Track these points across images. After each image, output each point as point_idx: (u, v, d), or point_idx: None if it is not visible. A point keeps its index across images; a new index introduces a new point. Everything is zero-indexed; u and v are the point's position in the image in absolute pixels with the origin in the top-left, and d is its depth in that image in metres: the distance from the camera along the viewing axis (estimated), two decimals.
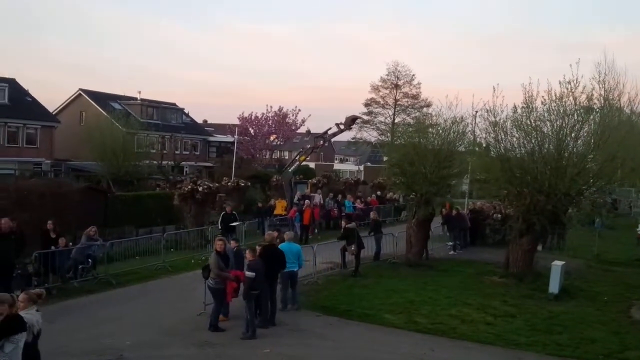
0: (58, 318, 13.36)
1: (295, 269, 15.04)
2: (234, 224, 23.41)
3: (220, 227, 23.19)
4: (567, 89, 17.55)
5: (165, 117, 58.20)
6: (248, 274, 12.68)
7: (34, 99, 47.82)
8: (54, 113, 51.50)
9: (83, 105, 54.33)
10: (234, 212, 24.39)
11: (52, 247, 16.76)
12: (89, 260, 17.67)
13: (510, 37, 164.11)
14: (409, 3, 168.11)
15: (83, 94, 54.72)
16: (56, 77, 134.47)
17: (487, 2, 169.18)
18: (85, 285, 17.19)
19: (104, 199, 26.32)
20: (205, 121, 73.79)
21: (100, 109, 51.89)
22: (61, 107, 54.95)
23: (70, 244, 17.78)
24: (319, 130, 36.87)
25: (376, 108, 68.47)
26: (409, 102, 67.58)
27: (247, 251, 13.28)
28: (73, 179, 37.12)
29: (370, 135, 68.13)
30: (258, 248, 13.91)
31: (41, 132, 45.95)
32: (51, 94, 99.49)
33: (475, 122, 21.41)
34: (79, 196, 23.50)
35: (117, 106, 54.05)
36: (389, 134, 59.49)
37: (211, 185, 27.39)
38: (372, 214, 23.87)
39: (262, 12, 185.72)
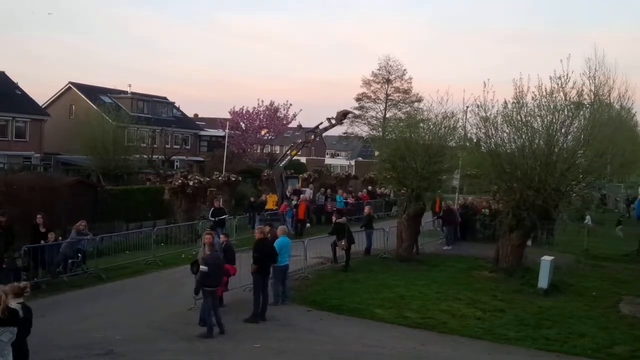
0: (48, 312, 13.29)
1: (288, 263, 15.10)
2: (221, 217, 23.45)
3: (214, 219, 23.21)
4: (558, 84, 17.63)
5: (155, 111, 57.94)
6: (202, 267, 12.37)
7: (23, 92, 47.47)
8: (43, 106, 51.10)
9: (73, 98, 53.99)
10: (221, 206, 24.41)
11: (42, 242, 16.67)
12: (79, 254, 17.61)
13: (500, 32, 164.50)
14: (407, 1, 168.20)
15: (73, 87, 54.37)
16: (46, 70, 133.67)
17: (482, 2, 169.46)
18: (75, 279, 17.12)
19: (94, 193, 26.21)
20: (196, 115, 73.57)
21: (90, 103, 51.60)
22: (51, 100, 54.54)
23: (60, 238, 17.69)
24: (310, 124, 36.86)
25: (367, 103, 68.46)
26: (400, 97, 67.59)
27: (205, 245, 13.08)
28: (63, 172, 36.96)
29: (362, 130, 68.25)
30: (222, 238, 13.92)
31: (30, 125, 45.64)
32: (41, 87, 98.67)
33: (466, 118, 21.51)
34: (69, 190, 23.39)
35: (107, 100, 53.73)
36: (380, 129, 59.56)
37: (202, 179, 27.31)
38: (367, 209, 23.87)
39: (255, 5, 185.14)
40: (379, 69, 67.48)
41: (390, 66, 67.21)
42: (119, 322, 13.13)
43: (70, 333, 12.31)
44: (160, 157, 44.94)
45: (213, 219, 23.20)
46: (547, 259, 17.25)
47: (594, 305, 15.76)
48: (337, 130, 55.65)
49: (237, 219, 26.94)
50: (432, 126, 21.58)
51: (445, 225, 25.52)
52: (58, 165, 43.54)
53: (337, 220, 20.25)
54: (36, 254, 16.15)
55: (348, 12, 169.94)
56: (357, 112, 65.44)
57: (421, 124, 22.46)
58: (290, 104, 58.29)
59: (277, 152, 66.13)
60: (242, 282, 15.27)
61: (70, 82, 54.74)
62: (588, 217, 29.24)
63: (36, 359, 9.33)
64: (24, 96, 47.21)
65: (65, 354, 10.93)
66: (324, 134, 38.54)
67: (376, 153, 34.96)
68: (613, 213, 39.19)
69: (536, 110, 18.20)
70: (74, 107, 53.27)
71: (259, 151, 59.31)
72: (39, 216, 17.29)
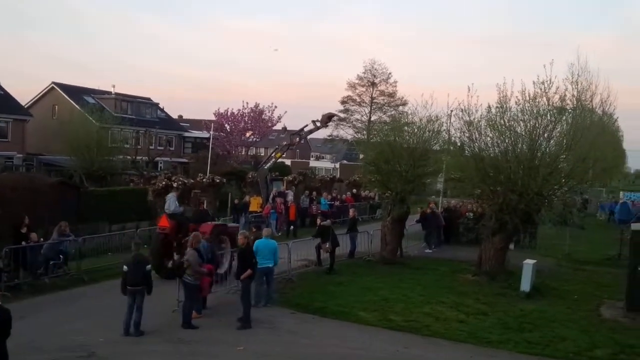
0: (29, 314, 13.20)
1: (271, 265, 15.02)
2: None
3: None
4: (541, 89, 17.73)
5: (139, 112, 57.60)
6: (124, 267, 12.81)
7: (5, 92, 46.90)
8: (26, 106, 50.52)
9: (56, 98, 53.47)
10: (205, 208, 24.36)
11: (23, 243, 16.50)
12: (61, 256, 17.45)
13: (486, 37, 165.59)
14: (391, 3, 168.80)
15: (56, 88, 53.87)
16: (29, 69, 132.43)
17: (466, 4, 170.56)
18: (57, 281, 16.97)
19: (77, 194, 25.95)
20: (180, 116, 73.26)
21: (73, 103, 51.16)
22: (33, 100, 53.97)
23: (42, 239, 17.51)
24: (295, 127, 36.81)
25: (352, 106, 68.70)
26: (385, 100, 67.87)
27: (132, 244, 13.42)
28: (45, 173, 36.57)
29: (347, 133, 68.39)
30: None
31: (13, 125, 45.10)
32: (24, 86, 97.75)
33: (450, 121, 21.58)
34: (51, 191, 23.14)
35: (90, 100, 53.31)
36: (365, 132, 59.69)
37: (186, 181, 27.18)
38: (351, 212, 23.90)
39: (240, 7, 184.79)
40: (364, 72, 67.82)
41: (375, 69, 67.55)
42: (101, 324, 13.03)
43: (51, 335, 12.21)
44: (144, 158, 44.64)
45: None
46: (529, 262, 17.36)
47: (575, 308, 15.88)
48: (322, 133, 55.79)
49: (221, 221, 26.81)
50: (416, 130, 21.68)
51: (425, 229, 25.59)
52: (40, 165, 43.07)
53: (321, 223, 20.26)
54: (17, 255, 15.98)
55: (333, 15, 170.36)
56: (342, 115, 65.66)
57: (406, 128, 22.54)
58: (275, 106, 58.21)
59: (262, 154, 66.01)
60: (225, 284, 15.24)
61: (53, 82, 54.23)
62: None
63: None
64: (7, 96, 46.65)
65: (46, 357, 10.84)
66: (308, 137, 38.56)
67: (361, 156, 35.01)
68: (593, 217, 39.61)
69: (519, 114, 18.33)
70: (57, 107, 52.76)
71: (243, 153, 59.11)
72: (26, 218, 17.16)
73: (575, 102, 18.87)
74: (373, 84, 67.78)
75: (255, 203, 29.04)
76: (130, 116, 53.77)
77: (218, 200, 31.04)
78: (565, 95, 18.23)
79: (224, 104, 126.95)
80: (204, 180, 30.43)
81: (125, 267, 12.75)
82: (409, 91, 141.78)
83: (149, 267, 12.85)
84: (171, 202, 18.87)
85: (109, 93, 56.74)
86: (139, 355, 11.32)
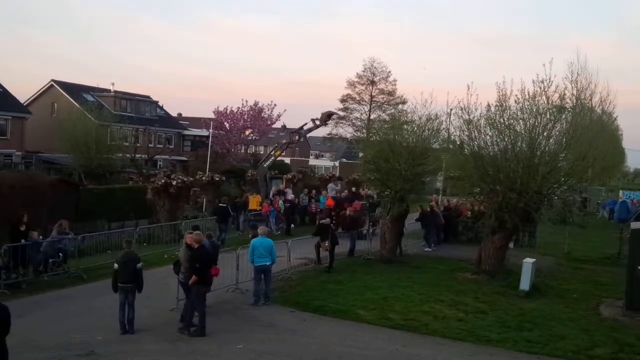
0: (28, 312, 13.20)
1: (268, 264, 15.01)
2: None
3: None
4: (540, 88, 17.71)
5: (139, 110, 57.48)
6: (115, 265, 12.89)
7: (4, 89, 46.80)
8: (25, 104, 50.45)
9: (55, 96, 53.41)
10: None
11: (22, 240, 16.48)
12: (60, 254, 17.45)
13: (486, 38, 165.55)
14: (392, 3, 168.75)
15: (55, 85, 53.81)
16: (28, 67, 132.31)
17: (468, 5, 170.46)
18: (56, 279, 16.99)
19: (76, 192, 25.92)
20: (179, 114, 73.05)
21: (72, 101, 51.12)
22: (33, 98, 53.91)
23: (41, 237, 17.50)
24: (295, 125, 36.85)
25: (352, 104, 68.68)
26: (385, 99, 67.86)
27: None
28: (44, 171, 36.54)
29: (346, 131, 68.51)
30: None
31: (12, 123, 45.03)
32: (23, 84, 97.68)
33: (449, 120, 21.58)
34: (50, 189, 23.10)
35: (89, 98, 53.24)
36: (364, 130, 59.70)
37: (185, 179, 27.16)
38: (347, 210, 23.86)
39: (240, 6, 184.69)
40: (363, 71, 67.82)
41: (374, 68, 67.55)
42: (100, 323, 13.02)
43: (50, 333, 12.21)
44: (143, 156, 44.62)
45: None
46: (528, 261, 17.35)
47: (574, 307, 15.87)
48: (322, 131, 55.70)
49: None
50: (416, 128, 21.65)
51: (424, 227, 25.58)
52: (40, 163, 43.02)
53: (320, 221, 20.24)
54: (16, 253, 15.97)
55: (333, 14, 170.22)
56: (341, 113, 65.72)
57: (405, 126, 22.52)
58: (275, 105, 58.03)
59: (261, 152, 65.96)
60: (224, 282, 15.24)
61: (52, 80, 54.17)
62: None
63: (16, 359, 9.23)
64: (6, 93, 46.56)
65: (45, 355, 10.83)
66: (308, 135, 38.57)
67: (360, 154, 35.04)
68: (593, 216, 39.62)
69: (519, 113, 18.30)
70: (56, 105, 52.70)
71: (243, 151, 58.99)
72: (25, 216, 17.15)
73: (574, 101, 18.90)
74: (372, 82, 67.78)
75: (254, 201, 29.00)
76: (129, 114, 53.63)
77: (217, 198, 31.03)
78: (564, 94, 18.27)
79: (224, 102, 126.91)
80: (203, 178, 30.47)
81: (115, 265, 12.72)
82: (409, 90, 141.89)
83: (139, 264, 12.74)
84: (332, 188, 31.85)
85: (108, 91, 56.69)
86: (138, 353, 11.31)
